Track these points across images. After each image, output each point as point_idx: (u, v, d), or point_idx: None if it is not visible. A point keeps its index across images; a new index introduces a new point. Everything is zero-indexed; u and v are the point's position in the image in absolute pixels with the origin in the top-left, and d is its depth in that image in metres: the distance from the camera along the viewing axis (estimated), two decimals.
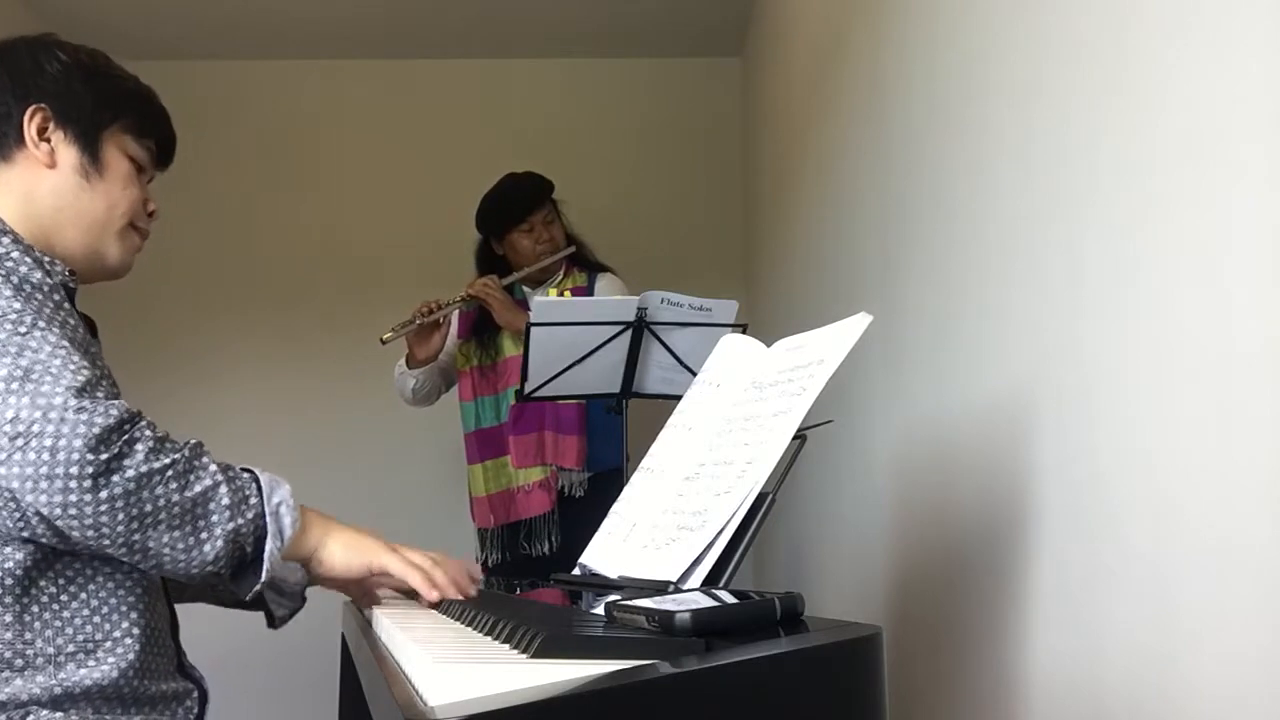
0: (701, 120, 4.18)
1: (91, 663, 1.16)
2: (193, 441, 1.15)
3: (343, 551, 1.25)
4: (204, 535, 1.11)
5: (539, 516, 2.80)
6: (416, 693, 0.73)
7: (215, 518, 1.11)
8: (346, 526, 1.27)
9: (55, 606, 1.16)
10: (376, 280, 4.07)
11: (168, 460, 1.10)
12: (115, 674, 1.17)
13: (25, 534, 1.13)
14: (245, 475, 1.17)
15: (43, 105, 1.30)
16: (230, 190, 4.10)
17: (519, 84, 4.19)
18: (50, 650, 1.15)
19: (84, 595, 1.18)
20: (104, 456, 1.05)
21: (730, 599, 0.86)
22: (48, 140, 1.30)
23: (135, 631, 1.19)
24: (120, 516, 1.07)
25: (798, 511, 2.83)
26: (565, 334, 2.33)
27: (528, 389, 2.39)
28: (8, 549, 1.14)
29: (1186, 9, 0.93)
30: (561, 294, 2.86)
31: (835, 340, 1.07)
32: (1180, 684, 0.95)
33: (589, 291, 2.87)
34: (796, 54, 2.96)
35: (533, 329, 2.31)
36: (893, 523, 1.93)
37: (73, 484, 1.04)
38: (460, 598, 1.26)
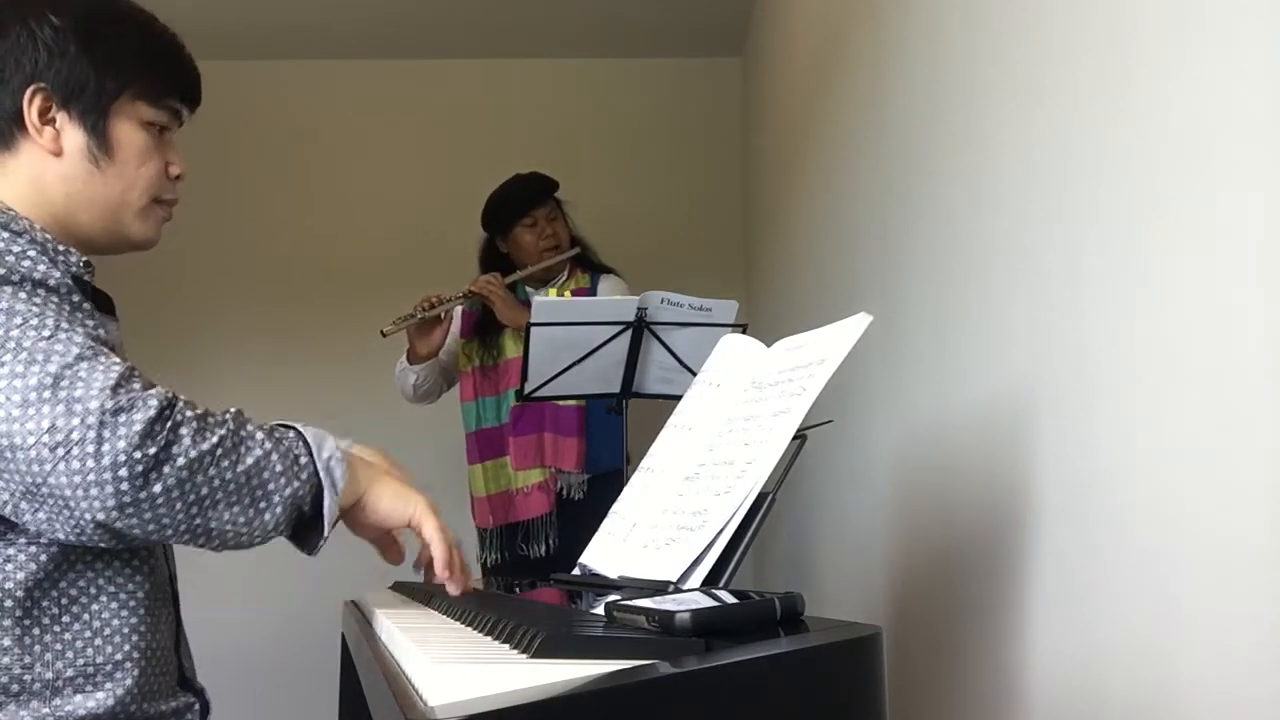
0: (701, 120, 4.18)
1: (90, 688, 1.13)
2: (233, 411, 1.12)
3: (390, 499, 1.21)
4: (263, 505, 1.09)
5: (537, 518, 2.80)
6: (416, 693, 0.73)
7: (272, 485, 1.09)
8: (391, 475, 1.25)
9: (56, 628, 1.13)
10: (377, 279, 4.07)
11: (215, 439, 1.07)
12: (112, 701, 1.14)
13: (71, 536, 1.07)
14: (291, 435, 1.15)
15: (42, 85, 1.20)
16: (231, 190, 4.10)
17: (519, 84, 4.19)
18: (49, 675, 1.12)
19: (86, 616, 1.14)
20: (151, 451, 1.02)
21: (730, 599, 0.86)
22: (51, 123, 1.21)
23: (135, 655, 1.16)
24: (179, 505, 1.04)
25: (798, 511, 2.83)
26: (565, 334, 2.33)
27: (528, 389, 2.39)
28: (9, 567, 1.10)
29: (1187, 9, 0.93)
30: (563, 295, 2.85)
31: (835, 340, 1.07)
32: (1180, 683, 0.95)
33: (591, 293, 2.86)
34: (796, 54, 2.96)
35: (533, 329, 2.31)
36: (893, 523, 1.93)
37: (124, 485, 1.02)
38: (457, 592, 1.25)
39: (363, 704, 0.99)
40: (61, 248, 1.19)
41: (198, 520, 1.06)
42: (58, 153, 1.22)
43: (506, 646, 0.82)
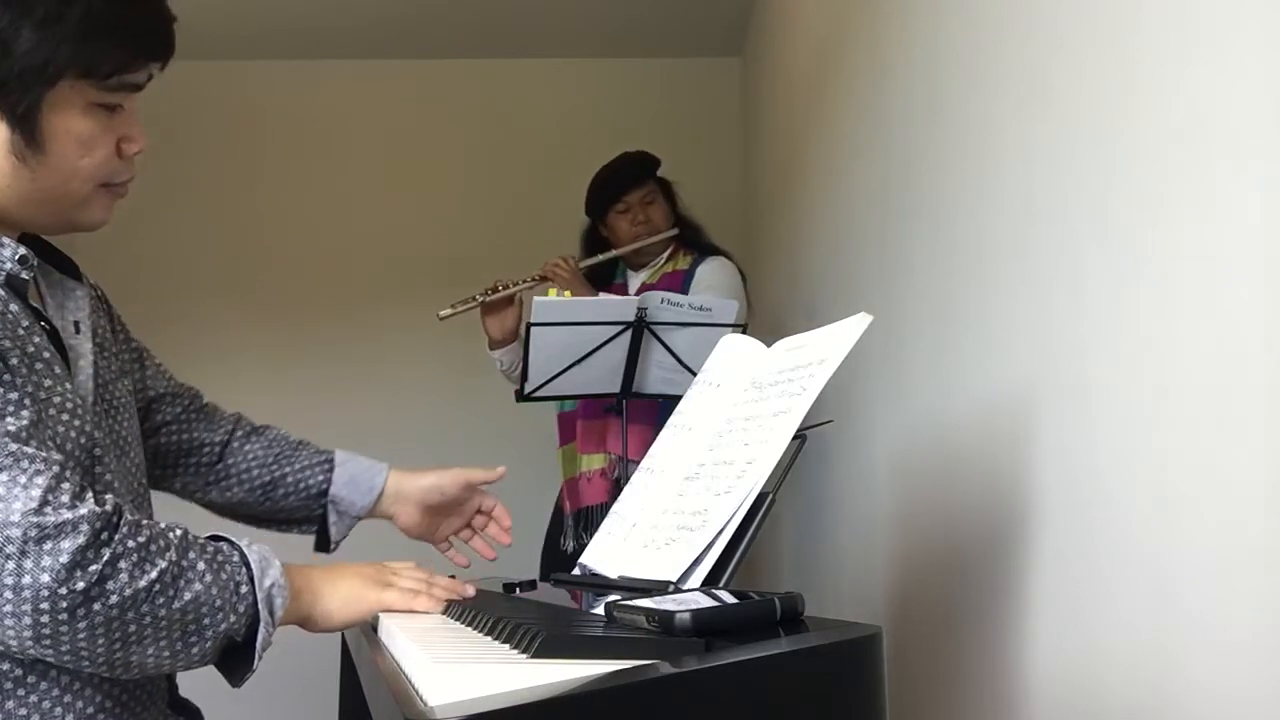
0: (701, 120, 4.18)
1: None
2: (177, 534, 1.01)
3: (339, 610, 1.15)
4: (193, 639, 1.00)
5: (595, 506, 2.69)
6: (416, 693, 0.73)
7: (207, 621, 1.00)
8: (331, 576, 1.17)
9: (21, 692, 1.01)
10: (379, 278, 4.09)
11: (154, 574, 0.96)
12: None
13: None
14: (235, 559, 1.05)
15: None
16: (233, 190, 4.10)
17: (519, 84, 4.19)
18: None
19: (54, 672, 1.02)
20: (79, 586, 0.91)
21: (730, 599, 0.86)
22: None
23: (109, 704, 1.06)
24: (101, 643, 0.94)
25: (798, 511, 2.83)
26: (566, 334, 2.32)
27: (527, 389, 2.39)
28: None
29: (1187, 9, 0.93)
30: (658, 278, 2.73)
31: (835, 340, 1.06)
32: (1180, 683, 0.95)
33: (689, 275, 2.71)
34: (796, 54, 2.96)
35: (532, 329, 2.31)
36: (893, 523, 1.93)
37: (44, 619, 0.90)
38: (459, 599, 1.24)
39: (363, 704, 0.99)
40: None
41: (118, 655, 0.96)
42: None
43: (506, 646, 0.82)
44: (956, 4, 1.55)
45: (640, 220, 2.78)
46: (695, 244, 2.83)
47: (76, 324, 1.15)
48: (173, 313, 4.03)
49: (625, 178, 2.80)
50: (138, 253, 3.82)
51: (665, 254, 2.81)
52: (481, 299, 2.66)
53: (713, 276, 2.69)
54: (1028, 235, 1.29)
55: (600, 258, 2.78)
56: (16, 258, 1.05)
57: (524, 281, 2.70)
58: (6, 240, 1.05)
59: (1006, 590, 1.33)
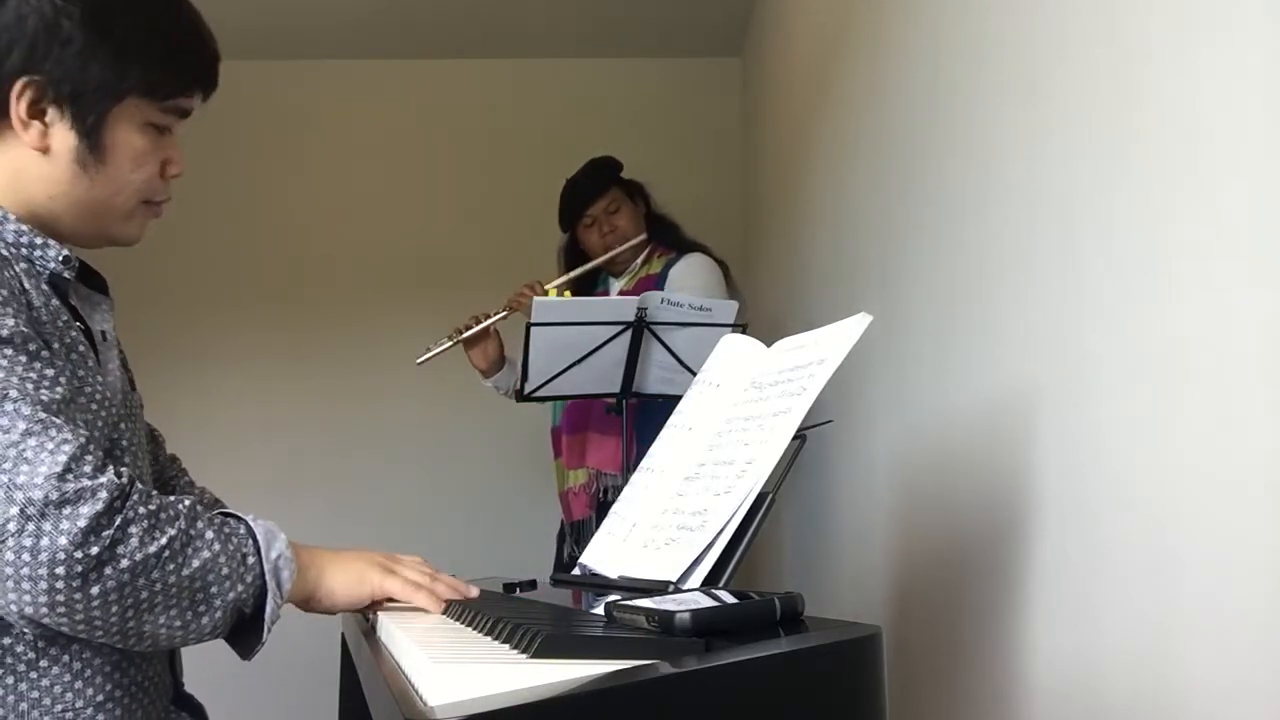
0: (701, 120, 4.18)
1: None
2: (186, 505, 1.04)
3: (343, 588, 1.17)
4: (202, 609, 1.02)
5: (581, 520, 2.72)
6: (416, 692, 0.73)
7: (215, 589, 1.02)
8: (338, 556, 1.19)
9: (33, 675, 1.03)
10: (378, 279, 4.09)
11: (164, 540, 0.98)
12: None
13: None
14: (241, 531, 1.08)
15: (36, 77, 1.07)
16: (234, 190, 4.10)
17: (519, 84, 4.19)
18: None
19: (66, 657, 1.05)
20: (94, 550, 0.94)
21: (730, 599, 0.86)
22: (40, 116, 1.09)
23: (118, 694, 1.08)
24: (114, 609, 0.96)
25: (798, 511, 2.83)
26: (565, 334, 2.32)
27: (527, 389, 2.39)
28: None
29: (1186, 10, 0.93)
30: (633, 284, 2.73)
31: (835, 340, 1.06)
32: (1180, 684, 0.95)
33: (660, 279, 2.68)
34: (797, 53, 2.96)
35: (532, 329, 2.31)
36: (893, 523, 1.93)
37: (59, 584, 0.93)
38: (461, 599, 1.24)
39: (363, 704, 0.99)
40: (39, 241, 1.10)
41: (131, 624, 0.98)
42: (43, 150, 1.10)
43: (506, 646, 0.82)
44: (958, 3, 1.55)
45: (607, 230, 2.76)
46: (671, 243, 2.80)
47: (104, 333, 1.19)
48: (170, 312, 4.03)
49: (584, 192, 2.79)
50: (133, 253, 3.82)
51: (640, 258, 2.79)
52: (457, 339, 2.70)
53: (683, 279, 2.66)
54: (1028, 234, 1.29)
55: (570, 275, 2.77)
56: (60, 258, 1.11)
57: (495, 314, 2.73)
58: (52, 242, 1.12)
59: (1007, 590, 1.33)
